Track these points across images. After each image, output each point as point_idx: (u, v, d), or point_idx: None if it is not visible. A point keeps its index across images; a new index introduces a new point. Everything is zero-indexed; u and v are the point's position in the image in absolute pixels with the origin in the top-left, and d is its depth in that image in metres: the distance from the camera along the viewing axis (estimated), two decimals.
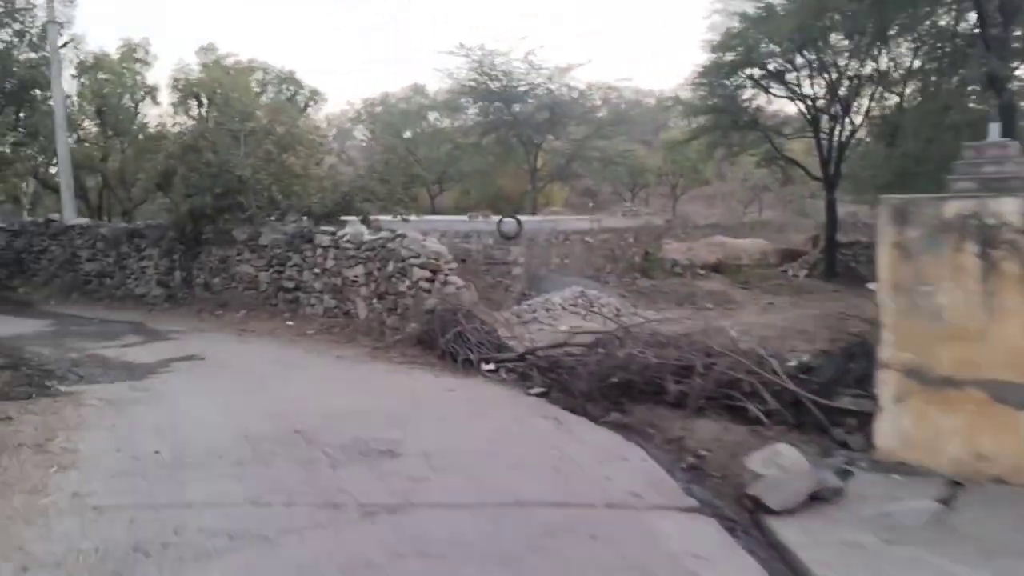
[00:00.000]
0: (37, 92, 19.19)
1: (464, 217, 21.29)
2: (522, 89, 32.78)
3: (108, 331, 12.09)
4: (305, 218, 13.97)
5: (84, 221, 17.87)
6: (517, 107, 33.11)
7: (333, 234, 12.38)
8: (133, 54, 26.38)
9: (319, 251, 12.57)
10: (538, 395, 7.49)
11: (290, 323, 12.19)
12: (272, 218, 13.97)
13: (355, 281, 11.83)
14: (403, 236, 10.95)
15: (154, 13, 69.02)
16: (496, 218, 19.34)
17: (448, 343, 9.10)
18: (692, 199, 47.64)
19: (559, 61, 52.84)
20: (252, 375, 8.65)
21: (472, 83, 32.60)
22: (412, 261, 10.58)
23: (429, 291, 10.33)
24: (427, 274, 10.41)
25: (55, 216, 17.96)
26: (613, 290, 20.30)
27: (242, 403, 7.29)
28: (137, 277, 15.86)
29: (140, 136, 25.30)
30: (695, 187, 44.71)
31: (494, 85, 32.46)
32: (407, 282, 10.65)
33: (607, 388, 6.90)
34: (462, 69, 32.50)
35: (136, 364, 9.18)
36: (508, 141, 34.37)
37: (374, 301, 11.40)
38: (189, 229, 14.38)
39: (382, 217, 14.82)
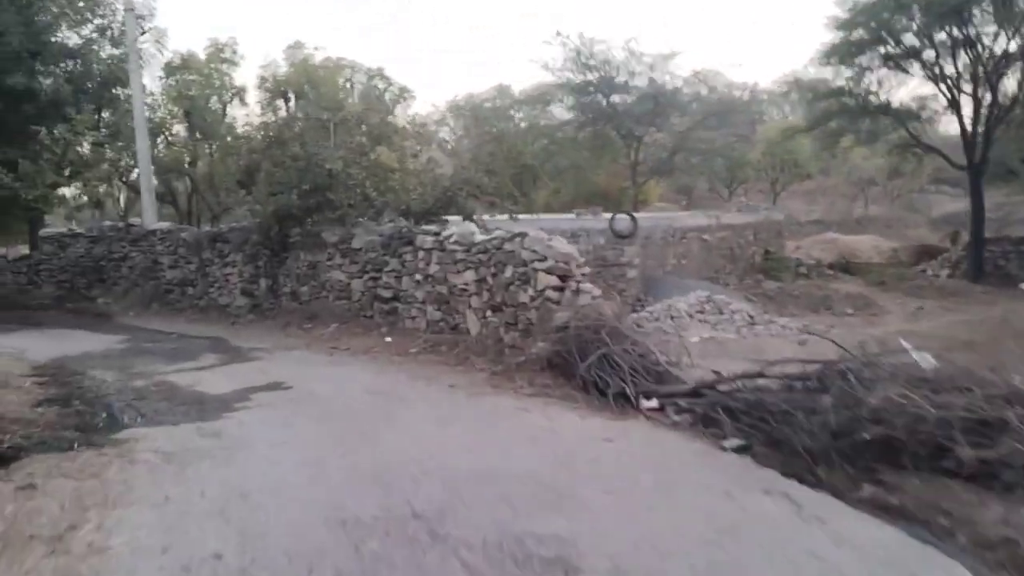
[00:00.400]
0: (119, 91, 18.17)
1: (571, 215, 19.30)
2: (622, 79, 30.56)
3: (184, 349, 10.61)
4: (402, 218, 12.22)
5: (165, 225, 16.67)
6: (616, 98, 30.88)
7: (437, 235, 10.58)
8: (220, 54, 25.58)
9: (420, 254, 10.80)
10: (736, 450, 5.40)
11: (388, 339, 10.44)
12: (366, 218, 12.29)
13: (464, 289, 9.99)
14: (523, 235, 8.99)
15: (231, 12, 69.58)
16: (607, 215, 17.31)
17: (591, 370, 7.11)
18: (791, 195, 44.47)
19: (661, 48, 50.25)
20: (348, 414, 6.83)
21: (569, 73, 30.57)
22: (536, 265, 8.61)
23: (558, 302, 8.34)
24: (555, 281, 8.42)
25: (136, 221, 16.82)
26: (737, 293, 18.09)
27: (337, 459, 5.44)
28: (220, 286, 14.51)
29: (228, 138, 24.39)
30: (796, 182, 41.50)
31: (592, 76, 30.36)
32: (530, 291, 8.69)
33: (851, 447, 4.77)
34: (557, 60, 30.62)
35: (209, 396, 7.52)
36: (606, 135, 32.16)
37: (488, 314, 9.51)
38: (275, 232, 12.92)
39: (486, 216, 13.00)
